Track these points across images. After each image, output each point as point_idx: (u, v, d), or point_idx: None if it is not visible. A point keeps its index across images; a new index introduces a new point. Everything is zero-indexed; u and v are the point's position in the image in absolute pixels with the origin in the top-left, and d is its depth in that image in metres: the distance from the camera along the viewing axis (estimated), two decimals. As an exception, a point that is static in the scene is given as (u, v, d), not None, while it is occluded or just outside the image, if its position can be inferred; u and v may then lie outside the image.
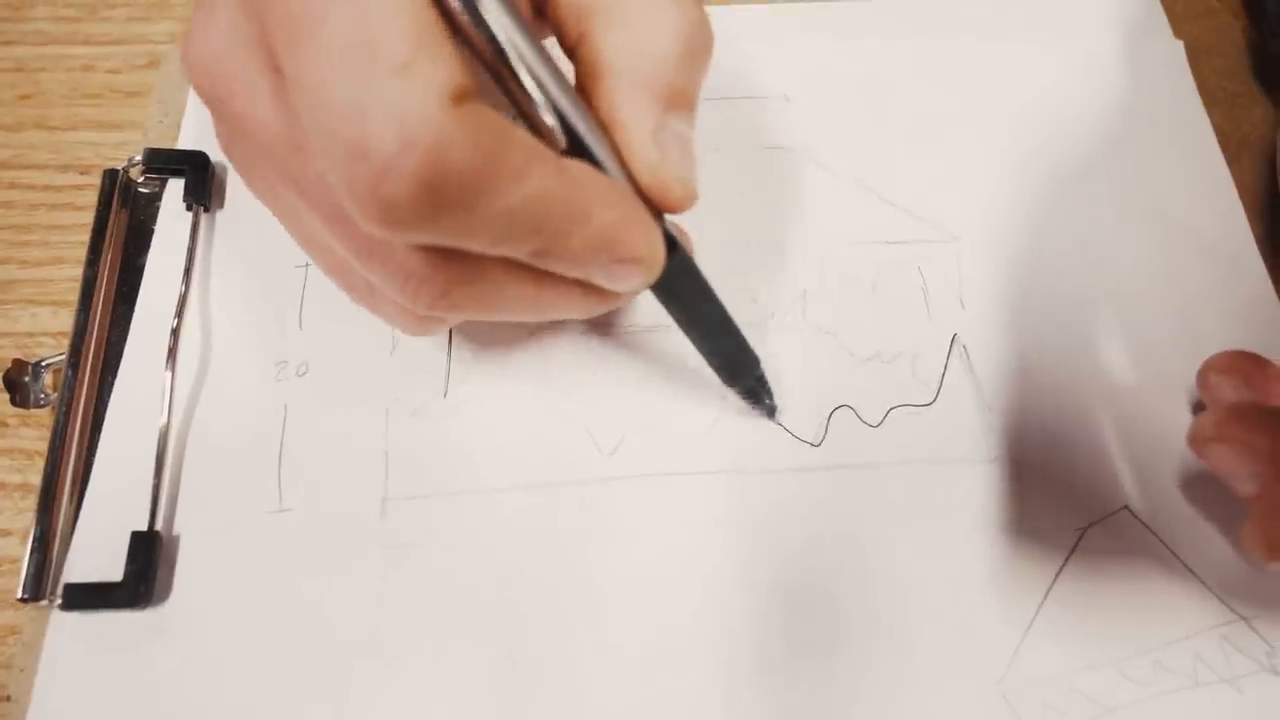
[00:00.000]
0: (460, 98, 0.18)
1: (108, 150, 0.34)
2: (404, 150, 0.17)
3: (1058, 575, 0.26)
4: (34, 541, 0.26)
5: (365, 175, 0.17)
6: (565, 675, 0.25)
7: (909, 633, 0.26)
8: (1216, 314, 0.30)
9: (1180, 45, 0.35)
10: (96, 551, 0.27)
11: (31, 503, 0.28)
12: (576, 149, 0.20)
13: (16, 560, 0.27)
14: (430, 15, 0.18)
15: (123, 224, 0.31)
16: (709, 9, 0.35)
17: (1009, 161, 0.33)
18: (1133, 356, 0.29)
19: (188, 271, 0.30)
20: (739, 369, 0.27)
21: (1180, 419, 0.28)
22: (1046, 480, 0.28)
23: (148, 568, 0.26)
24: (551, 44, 0.22)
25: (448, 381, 0.29)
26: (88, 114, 0.35)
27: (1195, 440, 0.26)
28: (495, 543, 0.27)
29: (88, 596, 0.26)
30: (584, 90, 0.21)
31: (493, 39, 0.19)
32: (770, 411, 0.28)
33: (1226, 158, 0.33)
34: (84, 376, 0.29)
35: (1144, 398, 0.29)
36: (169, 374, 0.28)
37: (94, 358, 0.29)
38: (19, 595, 0.26)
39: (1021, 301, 0.30)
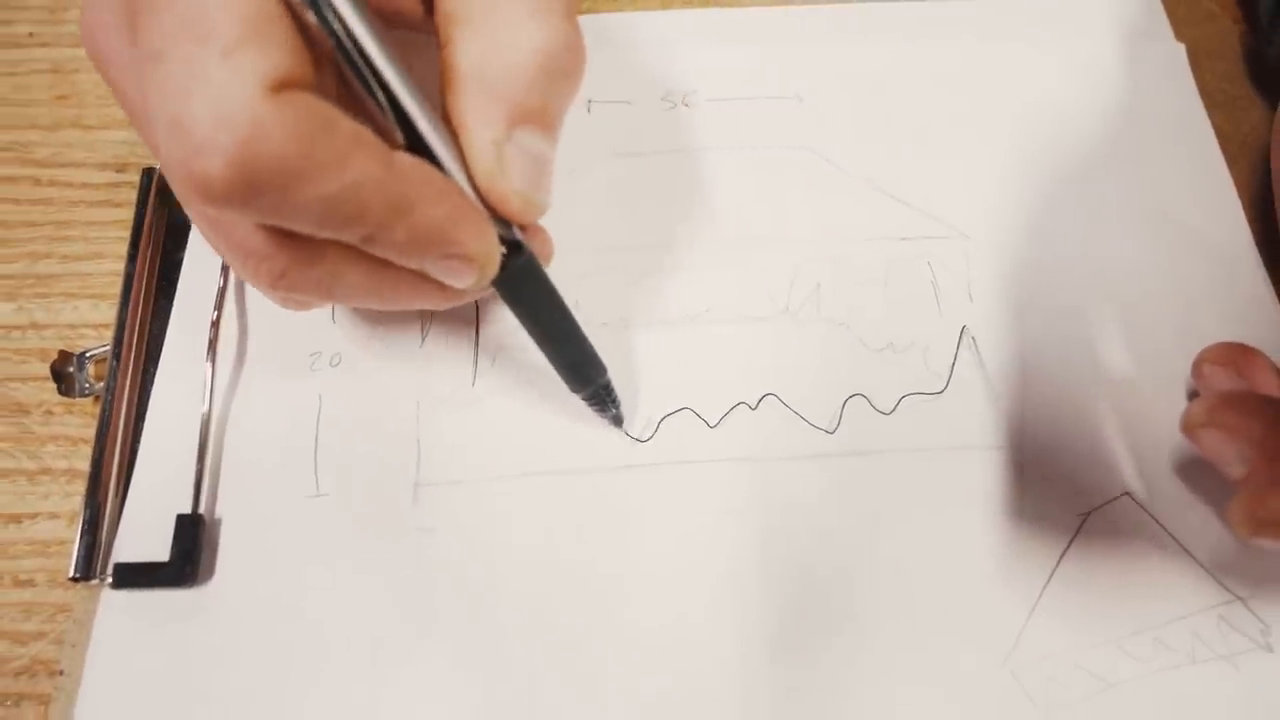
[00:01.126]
0: (282, 86, 0.19)
1: (141, 149, 0.35)
2: (217, 131, 0.18)
3: (1061, 558, 0.28)
4: (84, 524, 0.28)
5: (181, 151, 0.18)
6: (588, 655, 0.26)
7: (920, 612, 0.27)
8: (1214, 310, 0.31)
9: (1182, 48, 0.36)
10: (143, 534, 0.28)
11: (77, 487, 0.29)
12: (417, 147, 0.21)
13: (65, 542, 0.29)
14: (270, 2, 0.19)
15: (161, 221, 0.32)
16: (721, 10, 0.37)
17: (1015, 161, 0.34)
18: (1133, 350, 0.30)
19: (225, 266, 0.31)
20: (583, 377, 0.28)
21: (1178, 410, 0.29)
22: (1051, 467, 0.29)
23: (193, 548, 0.27)
24: None
25: (475, 371, 0.30)
26: (122, 114, 0.36)
27: (1187, 426, 0.27)
28: (522, 526, 0.28)
29: (137, 576, 0.27)
30: (442, 94, 0.22)
31: (332, 32, 0.20)
32: (616, 421, 0.29)
33: (1226, 159, 0.34)
34: (127, 366, 0.30)
35: (1144, 390, 0.30)
36: (209, 365, 0.30)
37: (136, 349, 0.30)
38: (71, 575, 0.27)
39: (1027, 296, 0.31)
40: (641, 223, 0.33)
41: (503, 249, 0.23)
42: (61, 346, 0.31)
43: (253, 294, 0.31)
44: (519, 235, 0.24)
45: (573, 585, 0.27)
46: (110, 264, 0.33)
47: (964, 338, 0.31)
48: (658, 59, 0.36)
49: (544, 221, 0.32)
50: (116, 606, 0.27)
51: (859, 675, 0.26)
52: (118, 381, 0.29)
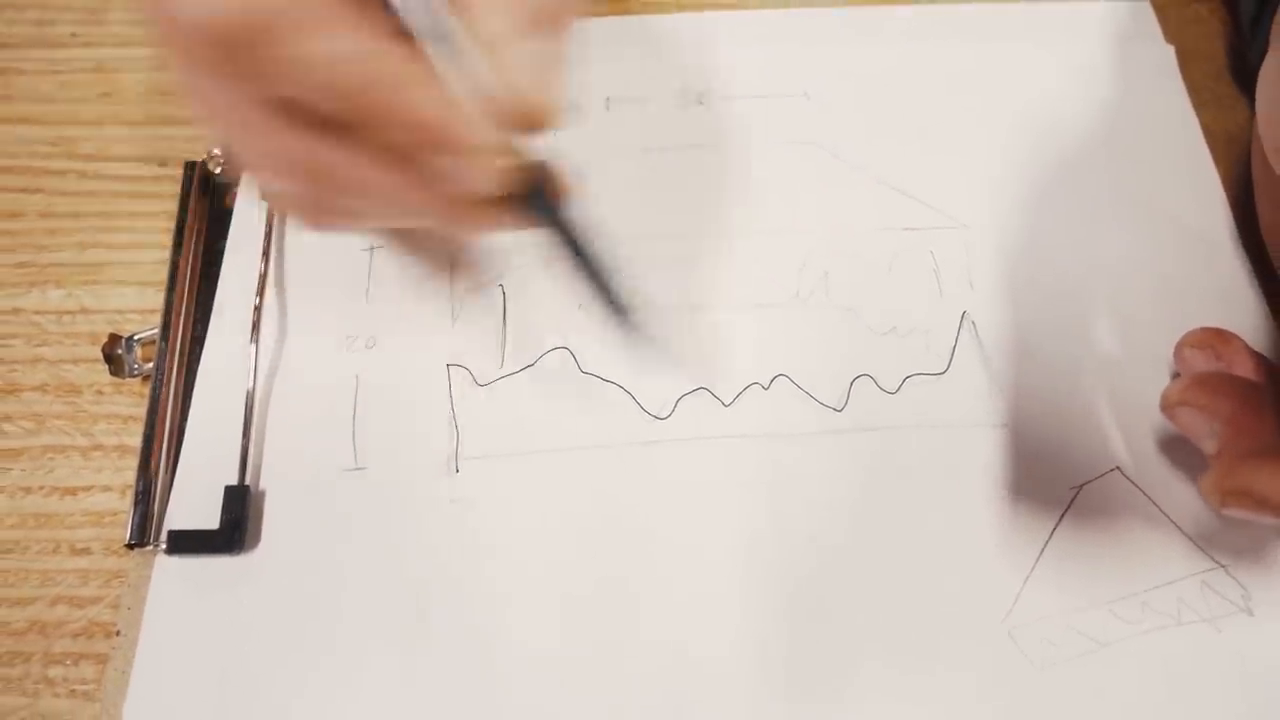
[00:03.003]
0: None
1: (181, 144, 0.37)
2: None
3: (1055, 528, 0.29)
4: (137, 495, 0.29)
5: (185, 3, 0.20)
6: (614, 615, 0.28)
7: (925, 577, 0.29)
8: (1199, 296, 0.33)
9: (1171, 50, 0.38)
10: (192, 504, 0.29)
11: (128, 462, 0.31)
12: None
13: (118, 513, 0.30)
14: None
15: (204, 212, 0.34)
16: (733, 12, 0.39)
17: (1013, 155, 0.36)
18: (1123, 334, 0.32)
19: (265, 254, 0.33)
20: (617, 307, 0.27)
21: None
22: (1046, 443, 0.31)
23: (240, 517, 0.29)
24: None
25: (503, 351, 0.32)
26: (162, 110, 0.38)
27: (1165, 405, 0.28)
28: (551, 497, 0.30)
29: (190, 542, 0.29)
30: None
31: None
32: (640, 347, 0.28)
33: (1213, 155, 0.36)
34: (175, 348, 0.32)
35: (1133, 370, 0.32)
36: (253, 346, 0.31)
37: (183, 331, 0.32)
38: (126, 541, 0.29)
39: (1024, 283, 0.33)
40: (658, 215, 0.34)
41: (527, 175, 0.23)
42: (111, 330, 0.33)
43: (291, 280, 0.33)
44: (542, 157, 0.24)
45: (598, 551, 0.29)
46: (153, 253, 0.35)
47: (964, 322, 0.32)
48: (673, 59, 0.38)
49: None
50: (170, 571, 0.29)
51: (866, 636, 0.28)
52: (166, 361, 0.31)
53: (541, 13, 0.22)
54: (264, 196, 0.25)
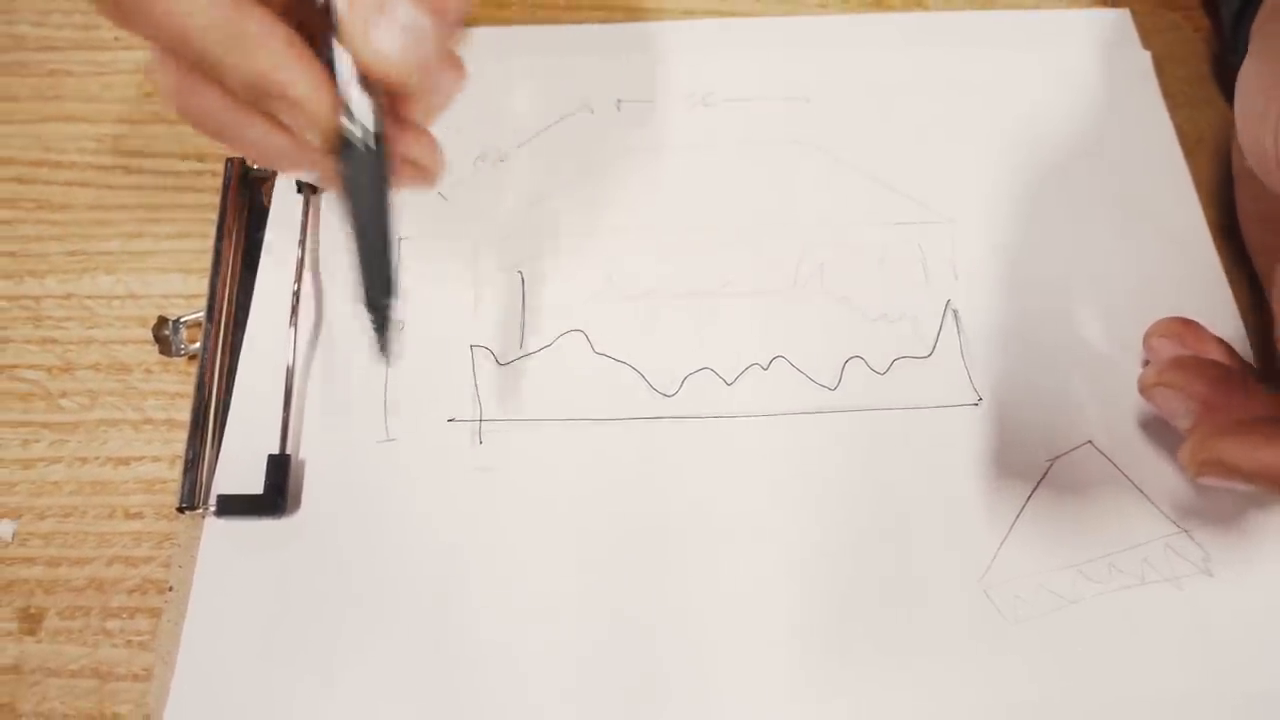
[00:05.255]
0: None
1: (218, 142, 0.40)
2: None
3: (1030, 496, 0.32)
4: (187, 463, 0.32)
5: None
6: (629, 571, 0.31)
7: (911, 541, 0.31)
8: (1171, 287, 0.35)
9: (1148, 55, 0.41)
10: (237, 472, 0.32)
11: (176, 434, 0.34)
12: None
13: (167, 481, 0.33)
14: None
15: (244, 204, 0.37)
16: (738, 19, 0.41)
17: (998, 155, 0.38)
18: (1097, 320, 0.35)
19: (302, 243, 0.36)
20: (374, 293, 0.27)
21: (1135, 371, 0.33)
22: (1023, 421, 0.33)
23: (282, 483, 0.31)
24: None
25: (523, 334, 0.34)
26: (201, 109, 0.40)
27: (1143, 387, 0.31)
28: (567, 466, 0.32)
29: (236, 505, 0.31)
30: None
31: None
32: (382, 346, 0.28)
33: (1185, 153, 0.38)
34: (219, 329, 0.34)
35: (1105, 354, 0.34)
36: (292, 329, 0.34)
37: (226, 314, 0.35)
38: (178, 505, 0.31)
39: (1005, 273, 0.36)
40: (667, 209, 0.37)
41: (364, 142, 0.25)
42: (157, 314, 0.35)
43: (325, 268, 0.36)
44: (369, 129, 0.25)
45: (611, 515, 0.32)
46: (195, 242, 0.37)
47: (948, 310, 0.35)
48: (681, 64, 0.40)
49: (582, 202, 0.37)
50: (218, 532, 0.31)
51: (857, 593, 0.30)
52: (212, 341, 0.34)
53: None
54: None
